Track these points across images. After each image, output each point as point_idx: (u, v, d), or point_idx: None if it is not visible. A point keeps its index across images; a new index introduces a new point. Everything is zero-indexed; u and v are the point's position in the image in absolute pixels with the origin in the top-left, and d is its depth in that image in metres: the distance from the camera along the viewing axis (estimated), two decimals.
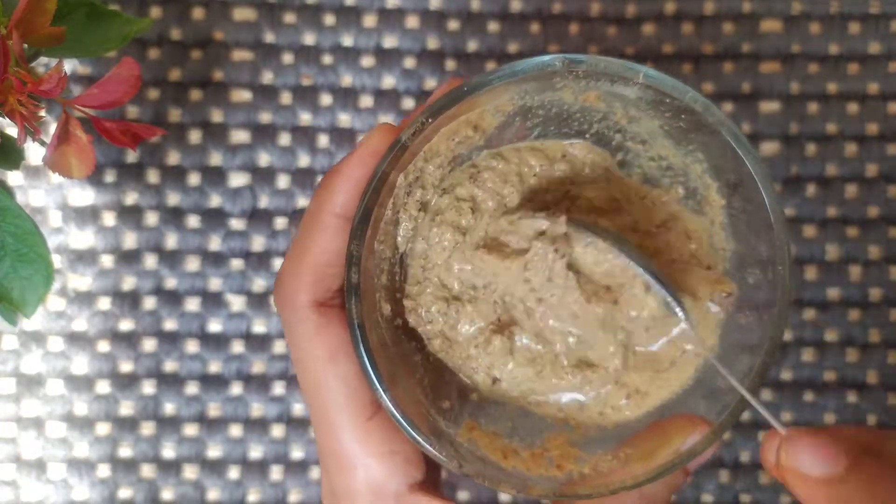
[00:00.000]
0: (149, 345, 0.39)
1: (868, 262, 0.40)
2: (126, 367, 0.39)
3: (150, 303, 0.39)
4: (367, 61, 0.40)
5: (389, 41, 0.40)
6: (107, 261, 0.39)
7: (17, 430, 0.39)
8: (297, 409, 0.39)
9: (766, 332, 0.25)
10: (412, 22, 0.40)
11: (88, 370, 0.39)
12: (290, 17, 0.40)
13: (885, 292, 0.40)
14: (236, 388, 0.39)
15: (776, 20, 0.40)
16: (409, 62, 0.40)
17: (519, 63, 0.25)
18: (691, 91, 0.25)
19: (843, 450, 0.22)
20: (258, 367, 0.39)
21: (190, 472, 0.39)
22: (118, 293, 0.39)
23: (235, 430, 0.39)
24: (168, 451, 0.39)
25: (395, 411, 0.25)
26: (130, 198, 0.39)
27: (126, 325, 0.39)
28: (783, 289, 0.25)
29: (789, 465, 0.23)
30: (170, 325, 0.39)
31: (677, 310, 0.26)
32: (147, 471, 0.39)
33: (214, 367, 0.39)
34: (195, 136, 0.40)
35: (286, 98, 0.40)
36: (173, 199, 0.39)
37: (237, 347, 0.39)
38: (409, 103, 0.40)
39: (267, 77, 0.40)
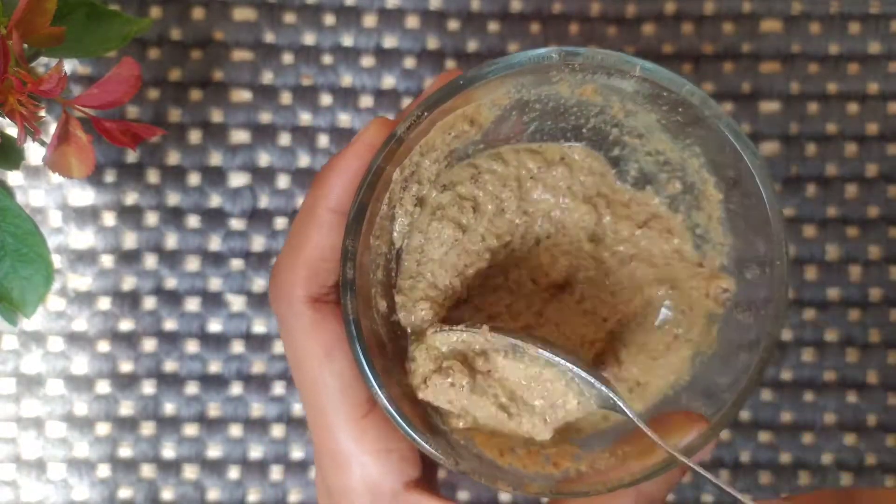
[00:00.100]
0: (149, 345, 0.39)
1: (868, 262, 0.40)
2: (126, 367, 0.39)
3: (150, 303, 0.39)
4: (367, 61, 0.40)
5: (389, 41, 0.40)
6: (107, 261, 0.39)
7: (17, 430, 0.39)
8: (297, 409, 0.39)
9: (764, 329, 0.25)
10: (412, 22, 0.40)
11: (88, 370, 0.39)
12: (290, 17, 0.40)
13: (885, 292, 0.40)
14: (236, 388, 0.39)
15: (776, 20, 0.40)
16: (409, 62, 0.40)
17: (515, 56, 0.24)
18: (688, 84, 0.25)
19: None
20: (258, 367, 0.39)
21: (190, 472, 0.39)
22: (118, 293, 0.39)
23: (235, 430, 0.39)
24: (168, 451, 0.39)
25: (390, 408, 0.24)
26: (130, 198, 0.39)
27: (126, 325, 0.39)
28: (781, 284, 0.25)
29: None
30: (170, 325, 0.39)
31: (604, 389, 0.26)
32: (147, 471, 0.39)
33: (214, 367, 0.39)
34: (195, 136, 0.40)
35: (286, 98, 0.40)
36: (173, 199, 0.39)
37: (237, 347, 0.39)
38: (408, 103, 0.40)
39: (267, 77, 0.40)
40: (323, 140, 0.40)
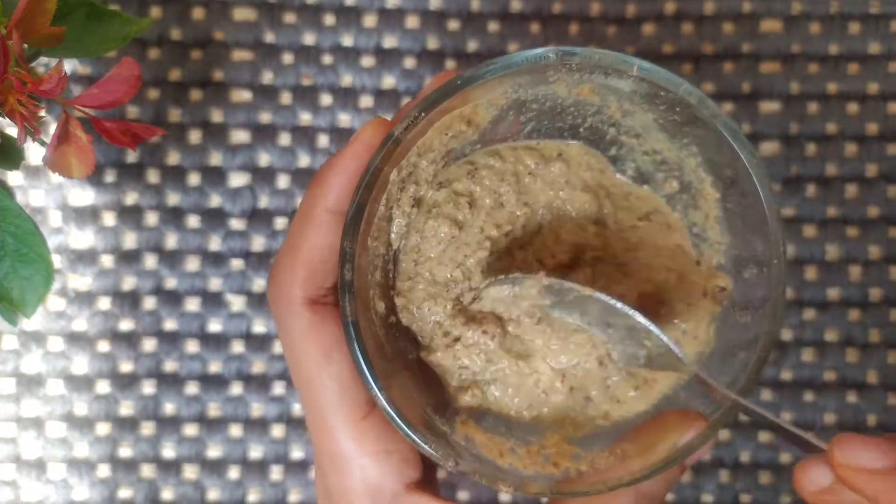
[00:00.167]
0: (149, 345, 0.39)
1: (868, 262, 0.40)
2: (126, 367, 0.39)
3: (150, 303, 0.39)
4: (367, 61, 0.40)
5: (389, 41, 0.40)
6: (107, 261, 0.39)
7: (17, 430, 0.39)
8: (297, 409, 0.39)
9: (762, 328, 0.25)
10: (412, 22, 0.40)
11: (88, 370, 0.39)
12: (290, 17, 0.40)
13: (885, 292, 0.40)
14: (236, 388, 0.39)
15: (776, 20, 0.40)
16: (409, 62, 0.40)
17: (512, 56, 0.24)
18: (685, 83, 0.25)
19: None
20: (258, 367, 0.39)
21: (190, 472, 0.39)
22: (118, 293, 0.39)
23: (235, 430, 0.39)
24: (168, 451, 0.39)
25: (390, 410, 0.24)
26: (130, 198, 0.39)
27: (126, 325, 0.39)
28: (778, 284, 0.25)
29: (849, 462, 0.23)
30: (170, 325, 0.39)
31: (671, 344, 0.26)
32: (147, 471, 0.39)
33: (214, 367, 0.39)
34: (195, 136, 0.40)
35: (286, 98, 0.40)
36: (173, 199, 0.39)
37: (237, 347, 0.39)
38: (407, 103, 0.40)
39: (267, 77, 0.40)
40: (323, 140, 0.40)
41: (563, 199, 0.29)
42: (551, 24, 0.40)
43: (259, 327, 0.39)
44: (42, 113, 0.27)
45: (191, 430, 0.39)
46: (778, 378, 0.40)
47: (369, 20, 0.40)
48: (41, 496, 0.39)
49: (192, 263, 0.39)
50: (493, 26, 0.40)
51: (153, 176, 0.39)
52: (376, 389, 0.24)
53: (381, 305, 0.27)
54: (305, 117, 0.40)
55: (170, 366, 0.39)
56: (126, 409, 0.39)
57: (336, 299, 0.26)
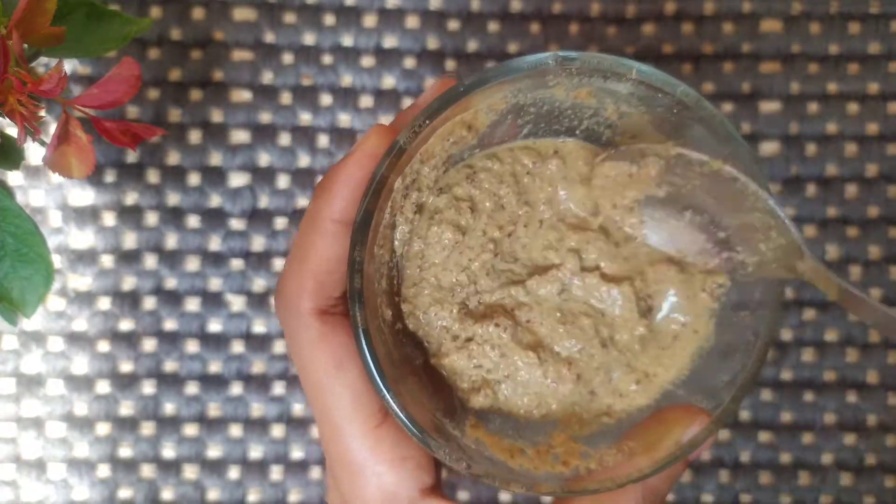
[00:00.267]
0: (149, 345, 0.39)
1: (868, 262, 0.40)
2: (126, 367, 0.39)
3: (150, 303, 0.39)
4: (367, 61, 0.40)
5: (389, 41, 0.40)
6: (107, 261, 0.39)
7: (17, 430, 0.39)
8: (297, 409, 0.39)
9: (759, 327, 0.26)
10: (412, 22, 0.40)
11: (88, 370, 0.39)
12: (290, 17, 0.40)
13: (885, 292, 0.40)
14: (236, 388, 0.39)
15: (776, 20, 0.40)
16: (409, 62, 0.40)
17: (514, 62, 0.25)
18: (683, 86, 0.25)
19: None
20: (258, 367, 0.39)
21: (190, 472, 0.39)
22: (118, 293, 0.39)
23: (235, 430, 0.39)
24: (168, 451, 0.39)
25: (403, 417, 0.25)
26: (130, 198, 0.39)
27: (126, 325, 0.39)
28: (776, 283, 0.25)
29: None
30: (170, 325, 0.39)
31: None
32: (147, 471, 0.39)
33: (214, 367, 0.39)
34: (195, 136, 0.40)
35: (286, 98, 0.40)
36: (173, 199, 0.39)
37: (237, 347, 0.39)
38: (408, 103, 0.40)
39: (267, 77, 0.40)
40: (323, 140, 0.40)
41: (563, 194, 0.29)
42: (551, 24, 0.40)
43: (259, 327, 0.39)
44: (42, 113, 0.27)
45: (191, 430, 0.39)
46: (778, 378, 0.40)
47: (369, 20, 0.40)
48: (41, 496, 0.39)
49: (192, 263, 0.39)
50: (493, 26, 0.40)
51: (153, 176, 0.40)
52: (389, 397, 0.25)
53: (388, 312, 0.28)
54: (305, 117, 0.40)
55: (170, 366, 0.39)
56: (126, 409, 0.39)
57: (344, 308, 0.27)
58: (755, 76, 0.40)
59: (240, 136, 0.40)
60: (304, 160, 0.40)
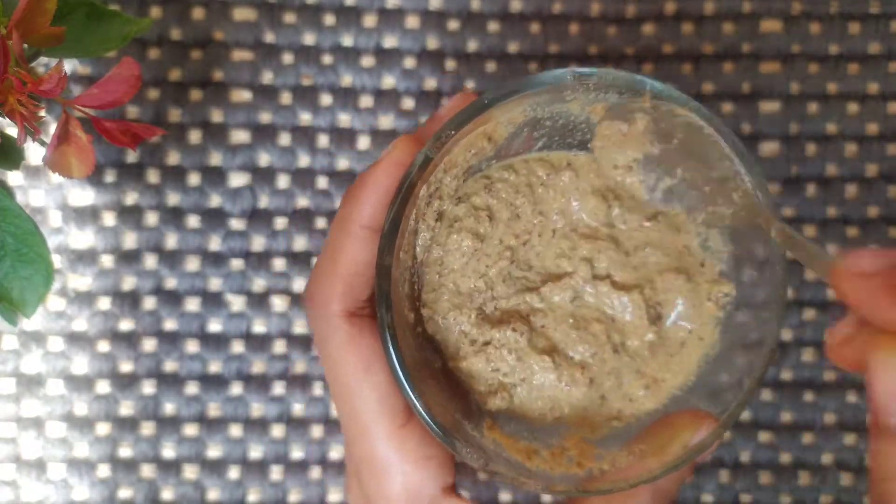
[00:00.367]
0: (149, 345, 0.39)
1: None
2: (126, 367, 0.39)
3: (150, 303, 0.39)
4: (367, 61, 0.40)
5: (389, 41, 0.40)
6: (107, 261, 0.39)
7: (17, 430, 0.39)
8: (297, 409, 0.39)
9: (764, 330, 0.26)
10: (412, 22, 0.40)
11: (88, 370, 0.39)
12: (290, 17, 0.40)
13: None
14: (236, 388, 0.39)
15: (776, 20, 0.40)
16: (409, 62, 0.40)
17: (535, 77, 0.26)
18: (694, 102, 0.26)
19: None
20: (258, 367, 0.39)
21: (190, 472, 0.39)
22: (118, 293, 0.39)
23: (235, 430, 0.39)
24: (168, 451, 0.39)
25: (427, 417, 0.26)
26: (130, 198, 0.39)
27: (126, 325, 0.39)
28: (779, 286, 0.26)
29: (848, 268, 0.21)
30: (170, 325, 0.39)
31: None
32: (147, 471, 0.39)
33: (214, 367, 0.39)
34: (195, 136, 0.40)
35: (286, 98, 0.40)
36: (173, 199, 0.39)
37: (237, 347, 0.39)
38: (409, 103, 0.40)
39: (267, 77, 0.40)
40: (323, 140, 0.40)
41: (576, 205, 0.30)
42: (551, 24, 0.40)
43: (259, 327, 0.39)
44: (42, 113, 0.27)
45: (191, 430, 0.39)
46: (778, 378, 0.40)
47: (369, 20, 0.40)
48: (41, 496, 0.39)
49: (192, 263, 0.39)
50: (493, 26, 0.40)
51: (153, 176, 0.40)
52: (414, 398, 0.26)
53: (411, 316, 0.29)
54: (305, 117, 0.40)
55: (170, 366, 0.39)
56: (126, 409, 0.39)
57: (371, 311, 0.28)
58: (755, 76, 0.40)
59: (240, 136, 0.40)
60: (304, 160, 0.40)
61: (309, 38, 0.40)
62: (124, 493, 0.39)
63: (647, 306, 0.29)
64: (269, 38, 0.40)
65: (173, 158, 0.40)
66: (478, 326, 0.29)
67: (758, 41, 0.40)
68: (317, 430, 0.39)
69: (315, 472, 0.39)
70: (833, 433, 0.40)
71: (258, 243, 0.40)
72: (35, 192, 0.39)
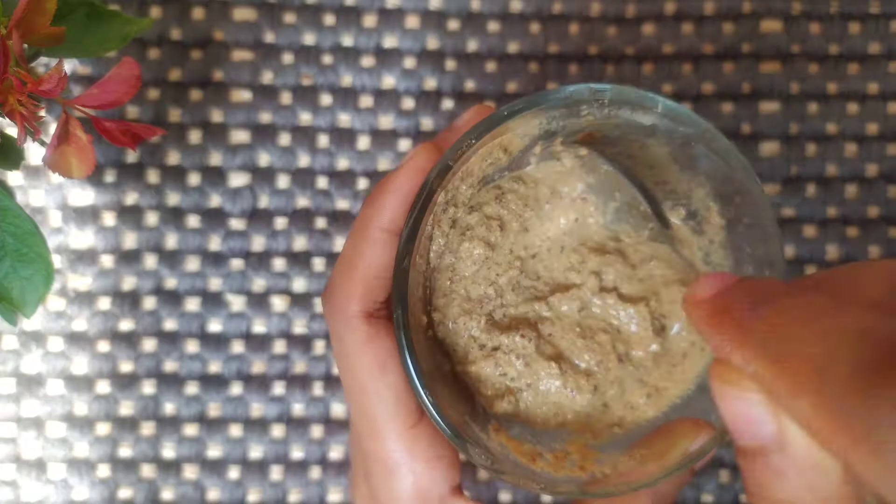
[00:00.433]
0: (149, 345, 0.39)
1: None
2: (126, 367, 0.39)
3: (150, 303, 0.39)
4: (367, 61, 0.40)
5: (389, 41, 0.40)
6: (107, 261, 0.39)
7: (17, 430, 0.39)
8: (297, 409, 0.39)
9: None
10: (412, 22, 0.40)
11: (88, 370, 0.39)
12: (290, 17, 0.40)
13: None
14: (236, 388, 0.39)
15: (776, 20, 0.40)
16: (409, 62, 0.40)
17: (554, 91, 0.26)
18: (702, 121, 0.26)
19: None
20: (258, 367, 0.39)
21: (190, 472, 0.39)
22: (118, 293, 0.39)
23: (235, 430, 0.39)
24: (168, 451, 0.39)
25: (438, 418, 0.26)
26: (130, 198, 0.39)
27: (126, 325, 0.39)
28: None
29: (693, 294, 0.20)
30: (170, 325, 0.39)
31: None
32: (147, 471, 0.39)
33: (214, 367, 0.39)
34: (195, 136, 0.40)
35: (286, 98, 0.40)
36: (173, 199, 0.39)
37: (237, 347, 0.39)
38: (409, 103, 0.40)
39: (267, 77, 0.40)
40: (323, 140, 0.40)
41: (583, 218, 0.31)
42: (551, 25, 0.40)
43: (259, 327, 0.39)
44: (42, 113, 0.27)
45: (191, 430, 0.39)
46: None
47: (369, 20, 0.40)
48: (41, 496, 0.39)
49: (192, 263, 0.39)
50: (493, 26, 0.40)
51: (153, 176, 0.40)
52: (426, 397, 0.26)
53: (423, 319, 0.29)
54: (305, 117, 0.40)
55: (170, 366, 0.39)
56: (126, 409, 0.39)
57: (388, 313, 0.28)
58: (755, 76, 0.40)
59: (240, 136, 0.40)
60: (304, 160, 0.40)
61: (309, 38, 0.40)
62: (124, 493, 0.39)
63: (651, 318, 0.30)
64: (269, 38, 0.40)
65: (173, 158, 0.40)
66: (487, 332, 0.30)
67: (758, 41, 0.40)
68: (317, 430, 0.39)
69: (315, 472, 0.39)
70: None
71: (258, 243, 0.40)
72: (35, 192, 0.39)
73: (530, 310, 0.30)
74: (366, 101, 0.40)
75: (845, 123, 0.40)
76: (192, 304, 0.39)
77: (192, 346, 0.39)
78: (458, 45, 0.40)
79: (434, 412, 0.26)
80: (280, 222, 0.40)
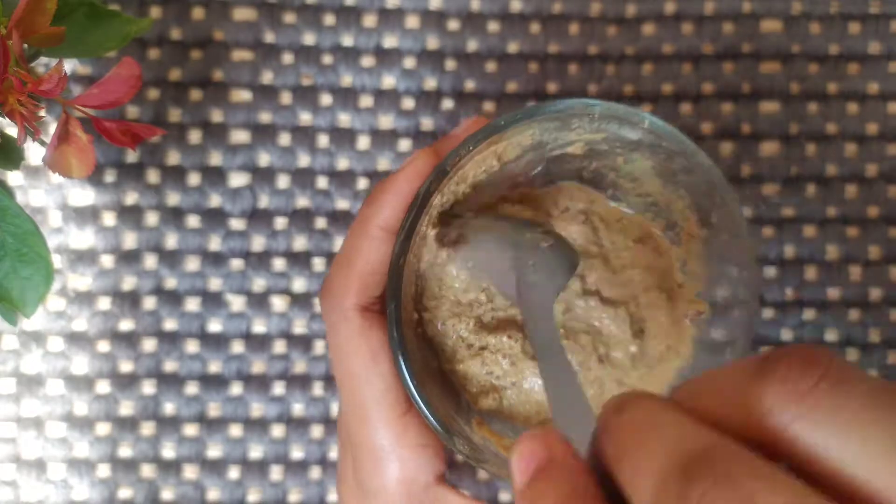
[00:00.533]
0: (149, 345, 0.39)
1: (868, 262, 0.40)
2: (126, 367, 0.39)
3: (150, 303, 0.39)
4: (367, 61, 0.40)
5: (389, 41, 0.40)
6: (107, 261, 0.39)
7: (17, 430, 0.39)
8: (297, 408, 0.39)
9: (734, 352, 0.28)
10: (412, 22, 0.40)
11: (88, 370, 0.39)
12: (290, 17, 0.40)
13: (885, 292, 0.40)
14: (236, 388, 0.39)
15: (776, 20, 0.40)
16: (409, 62, 0.40)
17: (549, 104, 0.28)
18: (685, 138, 0.28)
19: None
20: (258, 367, 0.39)
21: (190, 472, 0.39)
22: (118, 293, 0.39)
23: (235, 430, 0.39)
24: (168, 451, 0.39)
25: (425, 409, 0.27)
26: (130, 198, 0.39)
27: (126, 325, 0.39)
28: (747, 315, 0.28)
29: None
30: (170, 325, 0.39)
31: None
32: (147, 471, 0.39)
33: (214, 367, 0.39)
34: (195, 136, 0.40)
35: (286, 98, 0.40)
36: (173, 199, 0.39)
37: (237, 347, 0.39)
38: (409, 103, 0.40)
39: (267, 77, 0.40)
40: (323, 140, 0.40)
41: (562, 227, 0.33)
42: (551, 25, 0.40)
43: (259, 327, 0.39)
44: (42, 113, 0.27)
45: (191, 430, 0.39)
46: None
47: (369, 20, 0.40)
48: (41, 496, 0.39)
49: (192, 263, 0.39)
50: (493, 26, 0.40)
51: (153, 176, 0.39)
52: (414, 389, 0.27)
53: (414, 316, 0.30)
54: (305, 117, 0.40)
55: (170, 366, 0.39)
56: (126, 409, 0.39)
57: (382, 308, 0.29)
58: (755, 76, 0.40)
59: (240, 136, 0.40)
60: (304, 160, 0.40)
61: (309, 38, 0.40)
62: (124, 493, 0.39)
63: (631, 321, 0.31)
64: (269, 38, 0.40)
65: (173, 158, 0.40)
66: (475, 333, 0.31)
67: (758, 41, 0.40)
68: (317, 430, 0.39)
69: (315, 472, 0.39)
70: None
71: (258, 243, 0.40)
72: (35, 192, 0.39)
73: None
74: (366, 101, 0.40)
75: (845, 123, 0.40)
76: (192, 304, 0.39)
77: (192, 346, 0.39)
78: (458, 45, 0.40)
79: (420, 402, 0.27)
80: (280, 222, 0.40)
